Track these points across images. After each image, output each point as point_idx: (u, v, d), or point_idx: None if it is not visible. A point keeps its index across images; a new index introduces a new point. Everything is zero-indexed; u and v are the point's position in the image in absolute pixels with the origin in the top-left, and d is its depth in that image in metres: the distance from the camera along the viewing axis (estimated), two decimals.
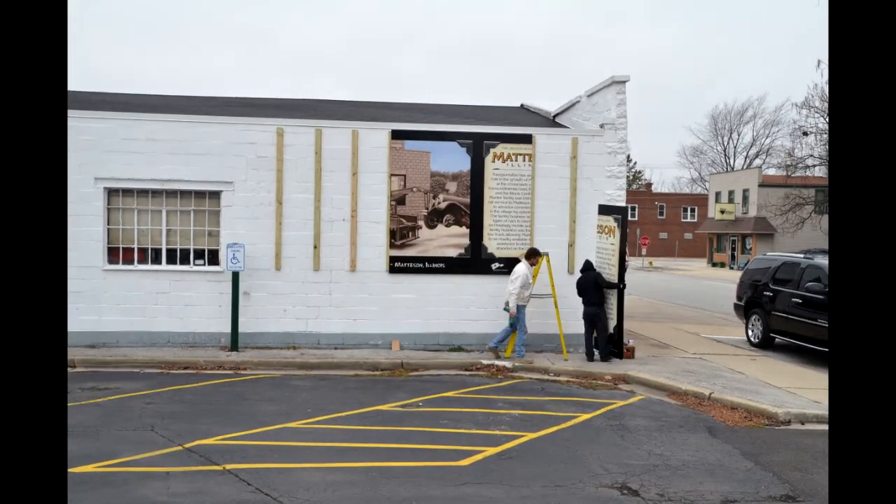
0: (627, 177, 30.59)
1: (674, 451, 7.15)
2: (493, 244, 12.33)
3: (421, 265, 12.21)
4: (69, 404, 8.13)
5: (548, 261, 11.94)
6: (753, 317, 14.29)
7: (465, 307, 12.30)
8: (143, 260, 11.89)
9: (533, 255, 11.70)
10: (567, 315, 12.06)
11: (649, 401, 9.43)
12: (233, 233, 11.83)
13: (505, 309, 11.59)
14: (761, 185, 50.88)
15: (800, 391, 9.81)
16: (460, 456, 6.72)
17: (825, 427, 8.24)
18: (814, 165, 36.28)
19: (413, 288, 12.22)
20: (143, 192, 11.82)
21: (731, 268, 53.09)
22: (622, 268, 11.83)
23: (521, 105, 18.33)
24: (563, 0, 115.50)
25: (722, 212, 55.02)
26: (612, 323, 11.92)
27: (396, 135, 12.17)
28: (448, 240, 12.27)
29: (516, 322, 11.51)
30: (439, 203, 12.26)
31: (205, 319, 11.86)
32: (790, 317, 12.88)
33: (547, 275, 11.95)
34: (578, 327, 12.22)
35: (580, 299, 12.12)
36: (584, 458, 6.78)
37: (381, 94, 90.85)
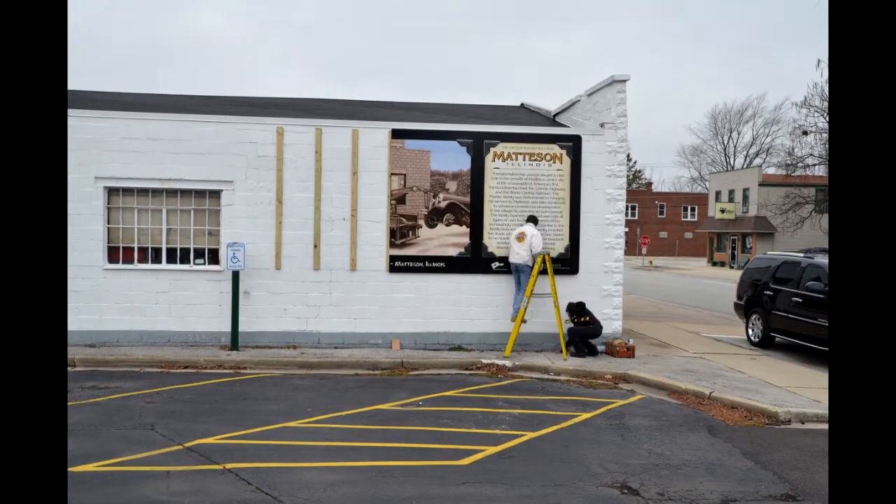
0: (627, 176, 30.61)
1: (674, 450, 7.15)
2: (494, 243, 12.32)
3: (421, 264, 12.21)
4: (69, 403, 8.13)
5: (548, 260, 11.94)
6: (754, 316, 14.28)
7: (466, 306, 12.30)
8: (143, 259, 11.89)
9: (534, 221, 12.13)
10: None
11: (649, 400, 9.43)
12: (233, 232, 11.83)
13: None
14: (761, 185, 50.89)
15: (800, 390, 9.81)
16: (460, 455, 6.72)
17: (825, 426, 8.24)
18: (814, 165, 36.30)
19: (413, 287, 12.22)
20: (143, 191, 11.82)
21: (732, 267, 53.10)
22: None
23: (522, 104, 18.33)
24: None
25: (722, 211, 55.04)
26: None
27: (396, 134, 12.17)
28: (448, 239, 12.26)
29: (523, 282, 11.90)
30: (439, 202, 12.25)
31: (205, 319, 11.86)
32: (790, 316, 12.88)
33: (548, 274, 11.96)
34: None
35: (583, 298, 12.18)
36: (584, 458, 6.78)
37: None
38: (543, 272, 11.90)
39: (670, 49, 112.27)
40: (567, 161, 12.40)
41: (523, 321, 11.88)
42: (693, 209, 75.89)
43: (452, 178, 12.27)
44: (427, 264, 12.22)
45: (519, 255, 11.86)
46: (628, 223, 59.80)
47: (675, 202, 77.13)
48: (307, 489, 5.76)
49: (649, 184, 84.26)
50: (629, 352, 11.96)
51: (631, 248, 62.03)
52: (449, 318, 12.28)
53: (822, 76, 38.80)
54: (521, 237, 11.89)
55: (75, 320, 11.35)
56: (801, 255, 13.65)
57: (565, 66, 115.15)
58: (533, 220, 12.11)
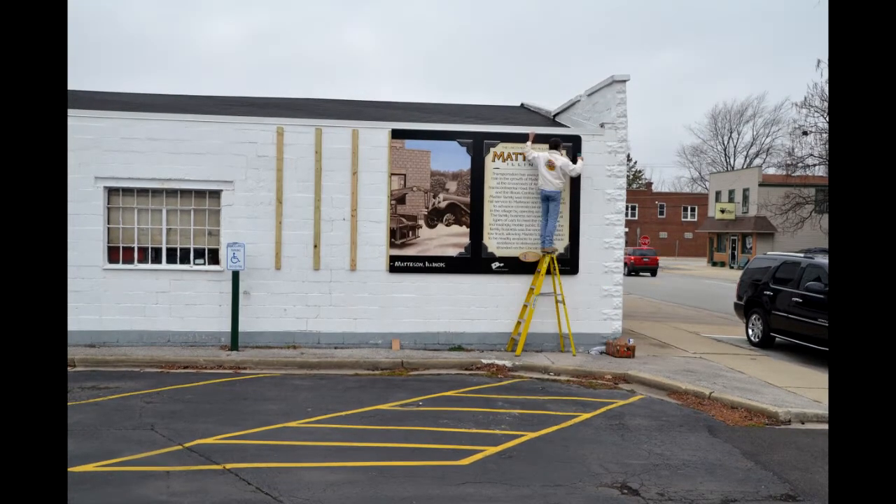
0: (627, 176, 30.62)
1: (674, 450, 7.15)
2: (494, 243, 12.32)
3: (421, 264, 12.21)
4: (69, 403, 8.13)
5: (554, 259, 11.98)
6: (754, 316, 14.29)
7: (466, 306, 12.30)
8: (143, 259, 11.89)
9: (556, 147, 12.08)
10: (569, 314, 12.08)
11: (649, 400, 9.43)
12: (233, 232, 11.83)
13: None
14: (761, 185, 50.91)
15: (800, 390, 9.81)
16: (460, 455, 6.72)
17: (825, 426, 8.24)
18: (814, 165, 36.30)
19: (413, 287, 12.22)
20: (143, 192, 11.82)
21: (732, 267, 53.09)
22: None
23: (522, 104, 18.32)
24: None
25: (722, 211, 55.05)
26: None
27: (396, 134, 12.16)
28: (448, 239, 12.26)
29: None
30: (439, 202, 12.25)
31: (205, 319, 11.85)
32: (790, 316, 12.88)
33: (552, 274, 11.99)
34: (582, 327, 12.26)
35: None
36: (584, 458, 6.78)
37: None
38: (549, 272, 11.95)
39: (670, 49, 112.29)
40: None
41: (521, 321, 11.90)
42: (693, 209, 75.91)
43: (452, 178, 12.27)
44: (427, 264, 12.22)
45: (552, 182, 11.86)
46: (628, 223, 59.79)
47: (675, 202, 77.14)
48: (307, 489, 5.76)
49: (649, 184, 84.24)
50: (629, 352, 11.96)
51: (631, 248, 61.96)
52: (449, 318, 12.28)
53: (822, 76, 38.82)
54: (551, 164, 11.87)
55: (75, 320, 11.35)
56: (801, 255, 13.64)
57: (565, 67, 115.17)
58: (556, 145, 12.09)
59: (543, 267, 11.91)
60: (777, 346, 13.76)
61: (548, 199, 11.96)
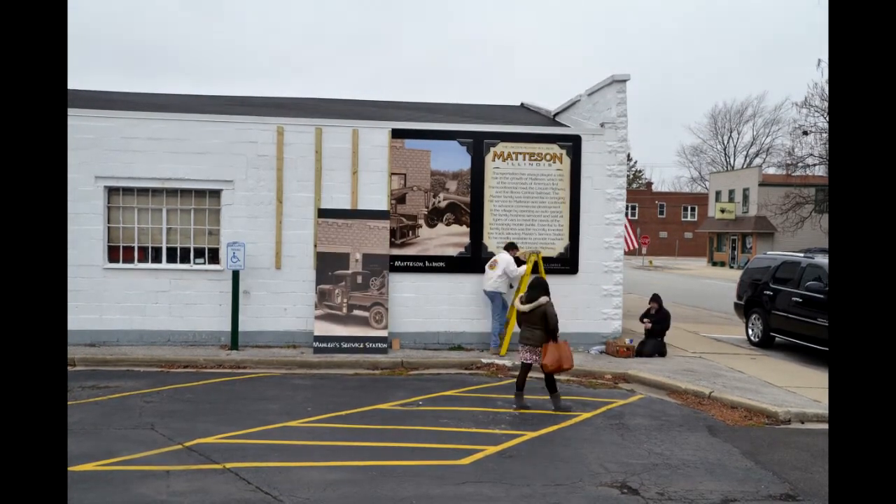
0: (627, 176, 30.61)
1: (674, 450, 7.15)
2: (494, 243, 12.32)
3: (421, 264, 12.21)
4: (69, 403, 8.14)
5: (540, 260, 11.93)
6: (753, 316, 14.29)
7: (465, 306, 12.30)
8: (143, 259, 11.89)
9: (511, 248, 11.96)
10: (569, 314, 12.06)
11: (649, 400, 9.43)
12: (233, 231, 11.83)
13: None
14: (761, 185, 50.87)
15: (800, 390, 9.81)
16: (460, 455, 6.73)
17: (825, 426, 8.24)
18: (814, 164, 36.27)
19: (413, 287, 12.21)
20: (143, 191, 11.82)
21: (732, 267, 53.09)
22: None
23: (522, 104, 18.31)
24: None
25: (722, 211, 55.00)
26: None
27: (397, 134, 12.17)
28: (448, 239, 12.26)
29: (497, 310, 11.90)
30: (439, 202, 12.25)
31: (205, 318, 11.86)
32: (790, 316, 12.88)
33: (541, 274, 11.97)
34: (579, 326, 12.25)
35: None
36: (584, 457, 6.79)
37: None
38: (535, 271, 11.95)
39: (670, 48, 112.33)
40: (567, 161, 12.40)
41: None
42: (693, 209, 75.86)
43: (452, 177, 12.27)
44: (427, 264, 12.22)
45: (489, 281, 11.78)
46: (628, 223, 59.55)
47: (675, 202, 77.09)
48: (307, 488, 5.76)
49: (649, 184, 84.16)
50: (629, 351, 11.96)
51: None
52: (449, 318, 12.29)
53: (822, 76, 38.79)
54: (493, 264, 11.82)
55: (75, 320, 11.35)
56: (801, 255, 13.64)
57: (566, 66, 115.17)
58: (511, 246, 11.98)
59: (529, 267, 11.81)
60: (777, 346, 13.76)
61: (489, 297, 11.88)
